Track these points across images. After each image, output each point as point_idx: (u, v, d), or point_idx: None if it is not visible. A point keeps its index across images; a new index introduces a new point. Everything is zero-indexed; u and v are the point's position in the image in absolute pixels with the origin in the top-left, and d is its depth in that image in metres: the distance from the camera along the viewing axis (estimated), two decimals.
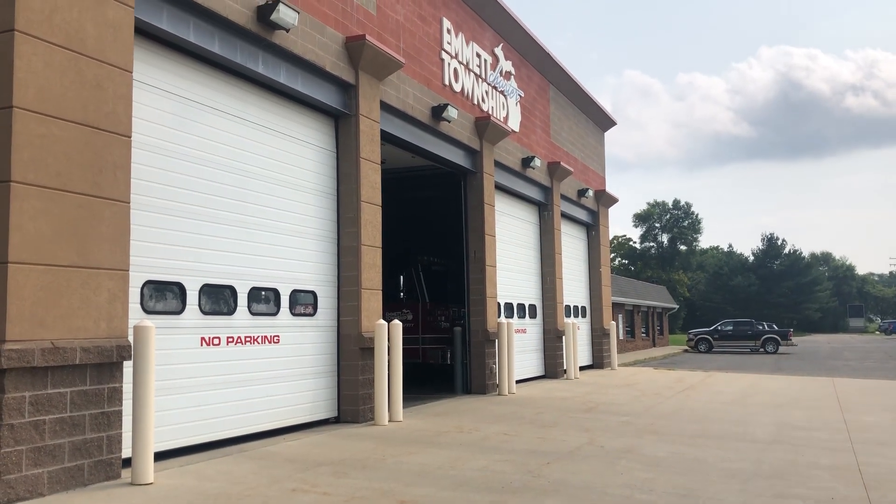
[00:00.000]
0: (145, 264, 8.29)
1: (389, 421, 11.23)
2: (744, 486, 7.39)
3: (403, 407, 11.84)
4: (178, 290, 8.78)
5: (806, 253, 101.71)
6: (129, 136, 7.52)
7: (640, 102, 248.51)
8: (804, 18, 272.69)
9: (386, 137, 12.95)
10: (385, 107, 12.75)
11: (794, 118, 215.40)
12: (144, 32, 8.32)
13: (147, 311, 8.32)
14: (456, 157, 15.76)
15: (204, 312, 9.13)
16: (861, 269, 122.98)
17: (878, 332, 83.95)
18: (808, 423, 11.88)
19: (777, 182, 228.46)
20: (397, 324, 11.58)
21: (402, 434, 10.33)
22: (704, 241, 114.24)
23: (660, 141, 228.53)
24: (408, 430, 10.64)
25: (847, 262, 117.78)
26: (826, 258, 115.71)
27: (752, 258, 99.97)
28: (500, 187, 17.98)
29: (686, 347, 44.88)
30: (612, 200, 26.54)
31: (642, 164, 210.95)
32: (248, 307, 9.85)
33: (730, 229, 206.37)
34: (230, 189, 9.68)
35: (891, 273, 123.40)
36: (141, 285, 8.24)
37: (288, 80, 10.52)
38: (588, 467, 8.24)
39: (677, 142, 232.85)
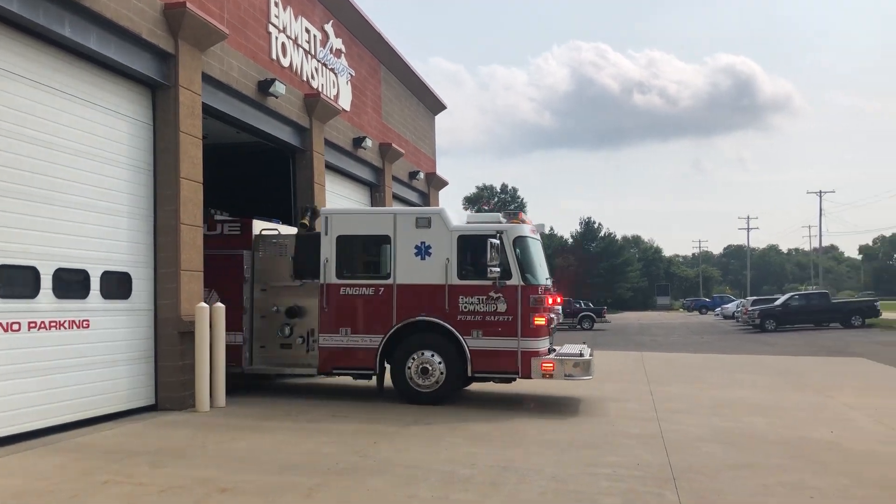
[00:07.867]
0: None
1: (212, 407, 10.81)
2: (560, 457, 7.78)
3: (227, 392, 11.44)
4: None
5: (619, 236, 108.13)
6: None
7: (448, 89, 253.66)
8: (587, 17, 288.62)
9: (208, 111, 12.37)
10: (207, 79, 12.16)
11: (592, 111, 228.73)
12: None
13: None
14: (284, 134, 15.36)
15: (1, 296, 8.35)
16: (667, 252, 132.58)
17: (681, 310, 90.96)
18: (621, 395, 12.70)
19: (582, 170, 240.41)
20: (220, 307, 11.14)
21: (226, 420, 9.99)
22: None
23: (469, 127, 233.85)
24: (232, 416, 10.29)
25: (655, 245, 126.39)
26: (636, 241, 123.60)
27: (570, 241, 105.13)
28: (330, 167, 17.73)
29: None
30: (443, 183, 26.96)
31: (454, 149, 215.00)
32: (53, 290, 9.10)
33: (543, 214, 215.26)
34: (34, 162, 8.87)
35: (693, 255, 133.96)
36: None
37: (100, 47, 9.76)
38: (415, 444, 8.35)
39: (485, 128, 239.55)
